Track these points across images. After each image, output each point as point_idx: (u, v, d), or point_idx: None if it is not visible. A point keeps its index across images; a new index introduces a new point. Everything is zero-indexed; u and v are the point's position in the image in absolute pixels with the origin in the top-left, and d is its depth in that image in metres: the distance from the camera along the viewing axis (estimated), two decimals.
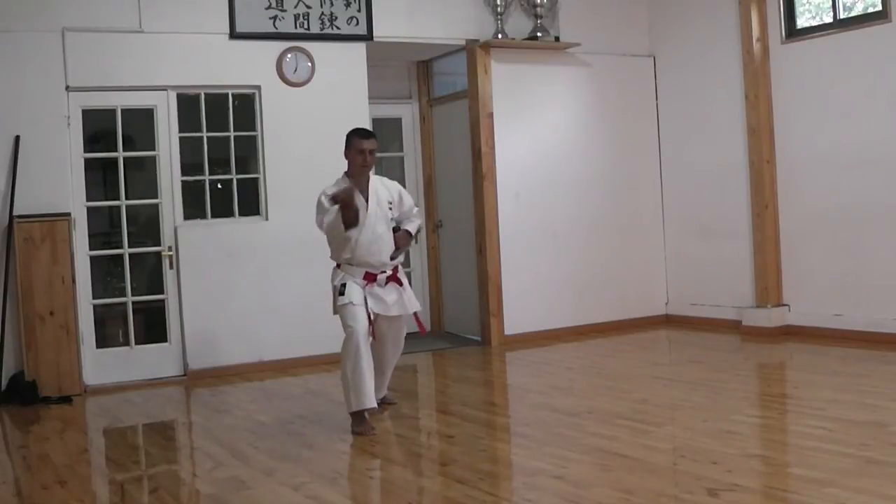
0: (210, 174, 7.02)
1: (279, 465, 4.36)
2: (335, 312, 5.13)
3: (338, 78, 7.29)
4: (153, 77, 6.71)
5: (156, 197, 6.85)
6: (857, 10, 7.02)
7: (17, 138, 6.28)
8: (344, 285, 5.04)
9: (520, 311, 7.78)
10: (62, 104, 6.45)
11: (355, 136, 5.22)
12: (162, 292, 6.82)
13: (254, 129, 7.11)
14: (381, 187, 5.22)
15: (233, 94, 7.07)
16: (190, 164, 6.93)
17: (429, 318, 8.58)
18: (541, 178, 7.92)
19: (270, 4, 6.99)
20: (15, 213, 6.25)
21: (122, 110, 6.71)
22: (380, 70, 7.91)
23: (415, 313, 5.26)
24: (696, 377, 6.06)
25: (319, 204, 5.03)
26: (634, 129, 8.44)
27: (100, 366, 6.59)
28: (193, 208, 6.96)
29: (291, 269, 7.02)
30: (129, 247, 6.75)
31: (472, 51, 7.73)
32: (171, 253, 6.80)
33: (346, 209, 4.88)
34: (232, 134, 7.08)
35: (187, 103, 6.90)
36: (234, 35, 6.91)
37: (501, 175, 7.76)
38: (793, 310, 7.46)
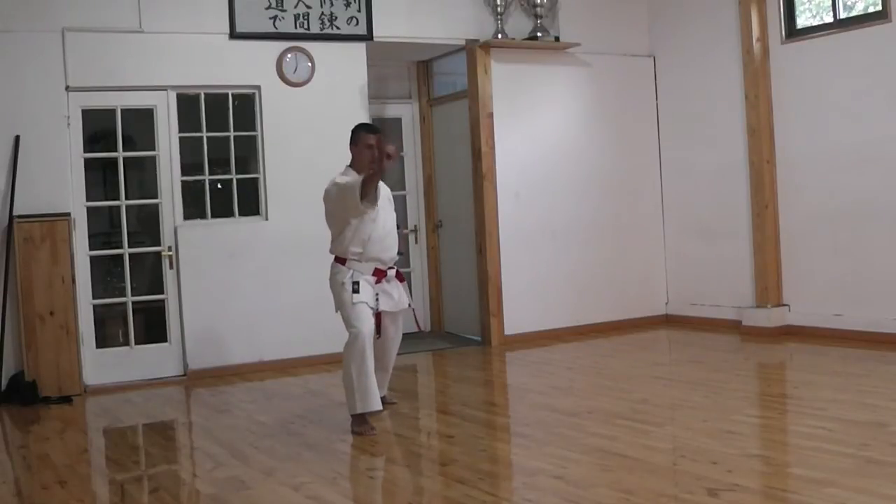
0: (210, 174, 7.02)
1: (279, 465, 4.36)
2: (338, 310, 5.07)
3: (338, 78, 7.29)
4: (153, 77, 6.71)
5: (156, 197, 6.85)
6: (857, 10, 7.02)
7: (17, 138, 6.29)
8: (357, 283, 4.94)
9: (520, 311, 7.78)
10: (62, 104, 6.45)
11: (362, 130, 5.18)
12: (162, 292, 6.82)
13: (254, 129, 7.11)
14: (382, 186, 5.15)
15: (233, 94, 7.07)
16: (190, 164, 6.93)
17: (429, 318, 8.59)
18: (541, 178, 7.92)
19: (270, 4, 6.99)
20: (15, 213, 6.25)
21: (122, 110, 6.71)
22: (380, 70, 7.92)
23: (414, 310, 5.32)
24: (696, 377, 6.06)
25: (334, 186, 4.97)
26: (634, 129, 8.43)
27: (100, 366, 6.59)
28: (193, 208, 6.96)
29: (291, 269, 7.02)
30: (129, 247, 6.75)
31: (472, 51, 7.73)
32: (171, 253, 6.80)
33: (375, 176, 4.77)
34: (232, 134, 7.08)
35: (187, 103, 6.90)
36: (234, 35, 6.91)
37: (501, 175, 7.76)
38: (793, 310, 7.46)
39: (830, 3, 7.11)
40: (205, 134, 6.97)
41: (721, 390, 5.55)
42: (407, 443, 4.87)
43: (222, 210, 7.06)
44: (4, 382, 6.21)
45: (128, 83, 6.64)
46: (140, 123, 6.83)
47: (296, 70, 7.14)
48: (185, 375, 6.79)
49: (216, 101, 7.02)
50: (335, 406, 5.62)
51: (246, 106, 7.12)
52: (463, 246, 8.14)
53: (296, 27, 7.08)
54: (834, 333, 7.03)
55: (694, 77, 8.15)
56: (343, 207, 4.95)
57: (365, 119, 7.38)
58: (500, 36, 7.76)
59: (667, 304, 8.54)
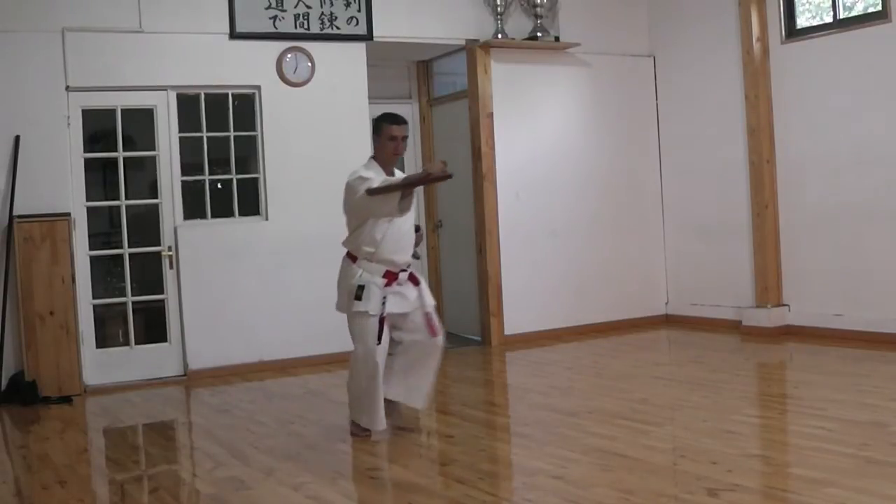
0: (210, 174, 7.02)
1: (279, 465, 4.36)
2: (343, 310, 4.79)
3: (338, 78, 7.29)
4: (153, 77, 6.71)
5: (156, 197, 6.85)
6: (857, 10, 7.02)
7: (17, 138, 6.28)
8: (362, 287, 4.62)
9: (520, 311, 7.78)
10: (62, 104, 6.45)
11: (386, 121, 4.72)
12: (162, 292, 6.82)
13: (254, 129, 7.11)
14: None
15: (233, 94, 7.07)
16: (190, 164, 6.93)
17: None
18: (541, 178, 7.92)
19: (270, 4, 6.99)
20: (15, 213, 6.25)
21: (122, 110, 6.71)
22: (380, 70, 7.91)
23: (427, 314, 4.74)
24: (696, 377, 6.06)
25: (360, 181, 4.59)
26: (634, 129, 8.43)
27: (100, 366, 6.59)
28: (193, 208, 6.96)
29: (291, 269, 7.02)
30: (129, 247, 6.75)
31: (472, 51, 7.73)
32: (171, 253, 6.80)
33: (412, 187, 4.58)
34: (232, 134, 7.08)
35: (187, 103, 6.90)
36: (234, 35, 6.91)
37: (501, 175, 7.76)
38: (793, 310, 7.46)
39: (830, 3, 7.11)
40: (205, 134, 6.97)
41: (721, 390, 5.55)
42: (407, 443, 4.87)
43: (222, 210, 7.06)
44: (4, 382, 6.21)
45: (128, 83, 6.64)
46: (140, 123, 6.82)
47: (296, 70, 7.14)
48: (185, 375, 6.79)
49: (216, 101, 7.02)
50: (335, 406, 5.61)
51: (246, 106, 7.12)
52: (463, 246, 8.14)
53: (296, 27, 7.08)
54: (834, 333, 7.02)
55: (694, 77, 8.15)
56: (366, 206, 4.60)
57: (365, 119, 7.40)
58: (500, 36, 7.76)
59: (667, 303, 8.54)
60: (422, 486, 4.05)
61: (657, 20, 8.45)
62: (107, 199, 7.00)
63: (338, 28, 7.22)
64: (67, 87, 6.46)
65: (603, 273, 8.19)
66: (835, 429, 4.45)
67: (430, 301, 4.79)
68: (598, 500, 3.61)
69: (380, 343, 4.63)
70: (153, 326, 6.87)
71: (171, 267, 6.80)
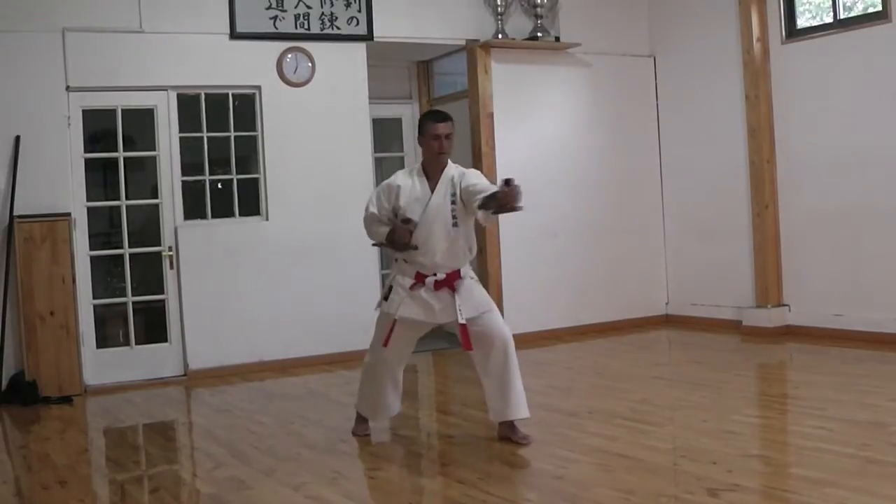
0: (210, 174, 7.02)
1: (279, 465, 4.36)
2: (376, 308, 4.71)
3: (338, 78, 7.29)
4: (153, 77, 6.71)
5: (156, 197, 6.85)
6: (857, 11, 7.02)
7: (18, 138, 6.28)
8: (391, 288, 4.54)
9: (520, 311, 7.76)
10: (62, 104, 6.45)
11: (429, 120, 4.52)
12: (162, 292, 6.82)
13: (254, 130, 7.11)
14: (452, 179, 4.49)
15: (233, 95, 7.07)
16: (190, 165, 6.93)
17: None
18: (541, 178, 7.90)
19: (271, 4, 6.99)
20: (15, 213, 6.25)
21: (123, 110, 6.71)
22: (380, 70, 7.91)
23: (462, 326, 4.44)
24: (696, 377, 6.06)
25: (372, 198, 4.56)
26: (635, 129, 8.43)
27: (100, 366, 6.59)
28: (194, 208, 6.95)
29: (292, 269, 7.03)
30: (130, 247, 6.75)
31: (473, 51, 7.73)
32: (171, 253, 6.80)
33: (388, 247, 4.51)
34: (232, 134, 7.08)
35: (187, 103, 6.90)
36: (234, 35, 6.91)
37: (502, 175, 7.70)
38: (793, 310, 7.46)
39: (830, 3, 7.11)
40: (205, 134, 6.97)
41: (721, 390, 5.55)
42: (407, 443, 4.87)
43: (223, 210, 7.06)
44: (5, 382, 6.20)
45: (128, 83, 6.64)
46: (140, 123, 6.83)
47: (296, 70, 7.14)
48: (185, 375, 6.79)
49: (216, 102, 7.02)
50: (335, 406, 5.62)
51: (246, 106, 7.12)
52: None
53: (296, 27, 7.08)
54: (834, 333, 7.02)
55: (694, 77, 8.15)
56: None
57: (365, 119, 7.41)
58: (500, 36, 7.76)
59: (667, 304, 8.54)
60: (422, 486, 4.05)
61: (657, 20, 8.45)
62: (107, 200, 7.01)
63: (338, 28, 7.22)
64: (68, 87, 6.46)
65: (603, 273, 8.19)
66: (835, 429, 4.45)
67: (474, 309, 4.49)
68: (598, 501, 3.61)
69: (386, 345, 4.53)
70: (153, 326, 6.87)
71: (171, 267, 6.80)
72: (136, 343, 6.75)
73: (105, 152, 6.89)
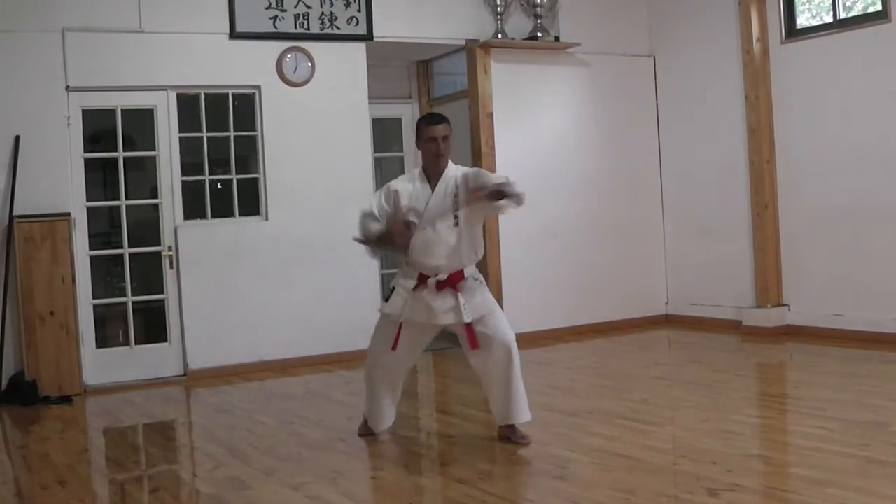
0: (210, 174, 7.01)
1: (279, 465, 4.36)
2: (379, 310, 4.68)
3: (338, 78, 7.29)
4: (153, 77, 6.71)
5: (156, 197, 6.85)
6: (857, 10, 7.02)
7: (17, 138, 6.28)
8: (393, 289, 4.52)
9: (519, 312, 7.75)
10: (62, 104, 6.45)
11: (425, 123, 4.53)
12: (162, 292, 6.82)
13: (254, 129, 7.11)
14: (453, 180, 4.47)
15: (233, 94, 7.07)
16: (190, 164, 6.93)
17: None
18: (540, 178, 7.89)
19: (270, 4, 6.99)
20: (15, 213, 6.25)
21: (122, 110, 6.71)
22: (380, 70, 7.91)
23: (468, 325, 4.42)
24: (696, 377, 6.06)
25: (372, 199, 4.56)
26: (634, 129, 8.44)
27: (100, 366, 6.59)
28: (193, 208, 6.95)
29: (291, 269, 7.03)
30: (129, 247, 6.75)
31: (472, 51, 7.73)
32: (171, 253, 6.80)
33: (380, 246, 4.49)
34: (232, 134, 7.08)
35: (187, 103, 6.90)
36: (234, 35, 6.91)
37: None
38: (793, 310, 7.46)
39: (830, 3, 7.11)
40: (205, 134, 6.97)
41: (721, 390, 5.55)
42: (407, 443, 4.87)
43: (222, 210, 7.06)
44: (4, 382, 6.20)
45: (128, 83, 6.64)
46: (140, 123, 6.83)
47: (296, 70, 7.14)
48: (185, 375, 6.79)
49: (216, 101, 7.02)
50: (335, 406, 5.62)
51: (246, 106, 7.12)
52: None
53: (296, 27, 7.08)
54: (834, 333, 7.02)
55: (694, 77, 8.15)
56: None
57: (365, 119, 7.41)
58: (499, 36, 7.76)
59: (667, 303, 8.54)
60: (422, 486, 4.05)
61: (657, 20, 8.45)
62: (107, 199, 7.01)
63: (338, 28, 7.22)
64: (67, 87, 6.46)
65: (603, 273, 8.19)
66: (835, 429, 4.45)
67: (477, 310, 4.45)
68: (598, 501, 3.61)
69: (394, 349, 4.49)
70: (153, 326, 6.87)
71: (171, 267, 6.80)
72: (136, 343, 6.75)
73: (105, 152, 6.90)
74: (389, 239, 4.41)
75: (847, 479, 3.66)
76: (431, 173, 4.51)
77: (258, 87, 7.05)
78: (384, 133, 8.50)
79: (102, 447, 5.19)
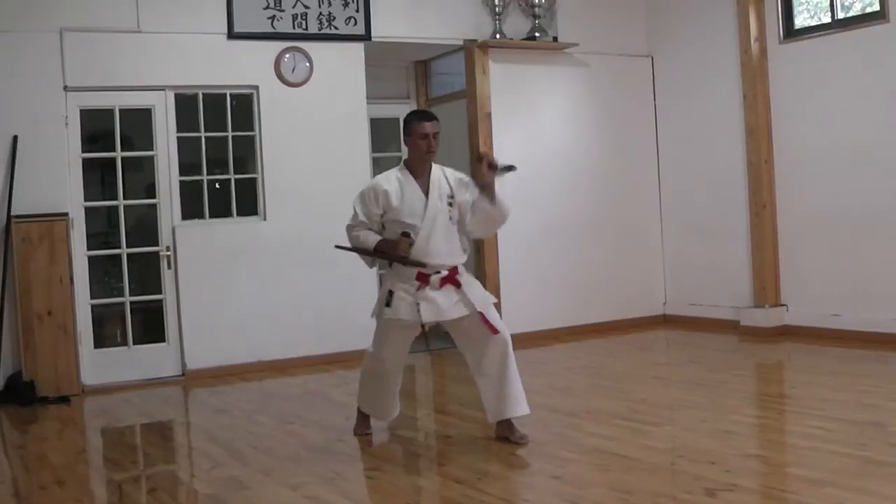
0: (208, 174, 7.01)
1: (278, 465, 4.36)
2: (373, 316, 4.64)
3: (336, 78, 7.28)
4: (151, 77, 6.71)
5: (154, 197, 6.84)
6: (855, 10, 7.03)
7: (15, 138, 6.28)
8: (391, 293, 4.45)
9: (518, 311, 7.76)
10: (60, 104, 6.44)
11: (416, 119, 4.54)
12: (160, 292, 6.81)
13: (252, 129, 7.10)
14: (442, 179, 4.53)
15: (231, 94, 7.06)
16: (188, 164, 6.93)
17: None
18: (538, 178, 7.90)
19: (268, 4, 6.98)
20: (13, 213, 6.24)
21: (120, 110, 6.71)
22: (378, 70, 7.91)
23: (480, 314, 4.46)
24: (694, 377, 6.06)
25: (356, 204, 4.55)
26: (632, 129, 8.44)
27: (98, 366, 6.58)
28: (191, 208, 6.95)
29: (290, 269, 7.02)
30: (127, 247, 6.75)
31: (471, 51, 7.73)
32: (169, 253, 6.79)
33: (379, 257, 4.49)
34: (230, 134, 7.07)
35: (185, 103, 6.90)
36: (232, 35, 6.90)
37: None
38: (791, 310, 7.46)
39: (828, 3, 7.12)
40: (203, 134, 6.97)
41: (719, 390, 5.55)
42: (406, 443, 4.87)
43: (220, 210, 7.06)
44: (2, 382, 6.20)
45: (126, 83, 6.63)
46: (138, 123, 6.82)
47: (294, 70, 7.13)
48: (183, 375, 6.78)
49: (214, 101, 7.01)
50: (334, 406, 5.62)
51: (244, 106, 7.11)
52: None
53: (294, 27, 7.08)
54: (832, 333, 7.03)
55: (692, 77, 8.15)
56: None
57: (363, 119, 7.40)
58: (498, 36, 7.76)
59: (665, 304, 8.54)
60: (421, 486, 4.05)
61: (655, 20, 8.45)
62: (105, 199, 7.01)
63: (336, 28, 7.22)
64: (65, 87, 6.45)
65: (601, 273, 8.19)
66: (833, 429, 4.46)
67: (481, 301, 4.49)
68: (596, 500, 3.61)
69: (427, 347, 4.55)
70: (151, 326, 6.86)
71: (169, 267, 6.79)
72: (134, 343, 6.74)
73: (103, 152, 6.88)
74: (391, 251, 4.43)
75: (845, 478, 3.66)
76: (417, 170, 4.53)
77: (256, 88, 7.05)
78: (382, 133, 8.49)
79: (100, 447, 5.19)
